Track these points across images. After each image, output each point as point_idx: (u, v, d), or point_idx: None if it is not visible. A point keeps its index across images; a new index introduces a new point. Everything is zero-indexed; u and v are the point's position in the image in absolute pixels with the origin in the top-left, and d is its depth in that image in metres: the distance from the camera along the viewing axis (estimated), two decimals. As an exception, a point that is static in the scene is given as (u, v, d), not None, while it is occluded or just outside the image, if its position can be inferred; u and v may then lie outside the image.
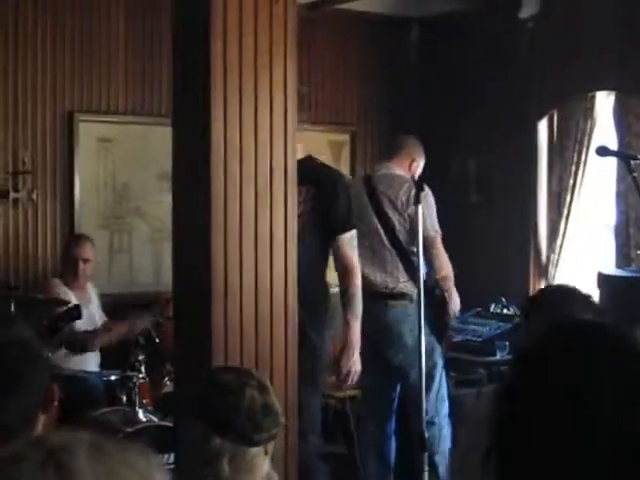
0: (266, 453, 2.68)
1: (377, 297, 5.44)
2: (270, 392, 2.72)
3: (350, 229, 4.75)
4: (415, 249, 5.40)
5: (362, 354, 4.80)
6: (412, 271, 5.37)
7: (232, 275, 4.10)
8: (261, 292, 4.16)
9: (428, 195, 5.35)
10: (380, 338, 5.49)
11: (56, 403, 2.11)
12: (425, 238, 5.24)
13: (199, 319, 4.14)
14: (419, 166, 5.80)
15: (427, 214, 5.28)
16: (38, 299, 5.80)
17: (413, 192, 5.32)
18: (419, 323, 4.39)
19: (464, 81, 7.67)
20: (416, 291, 5.36)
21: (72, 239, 6.49)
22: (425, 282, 5.28)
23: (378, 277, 5.49)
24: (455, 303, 5.49)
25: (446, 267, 5.43)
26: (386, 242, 5.48)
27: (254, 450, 2.65)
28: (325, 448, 6.74)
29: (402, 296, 5.44)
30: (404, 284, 5.44)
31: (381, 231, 5.50)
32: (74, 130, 6.90)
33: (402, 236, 5.48)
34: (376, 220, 5.52)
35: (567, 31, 6.83)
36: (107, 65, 7.03)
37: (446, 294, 5.42)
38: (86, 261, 6.18)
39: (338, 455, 6.75)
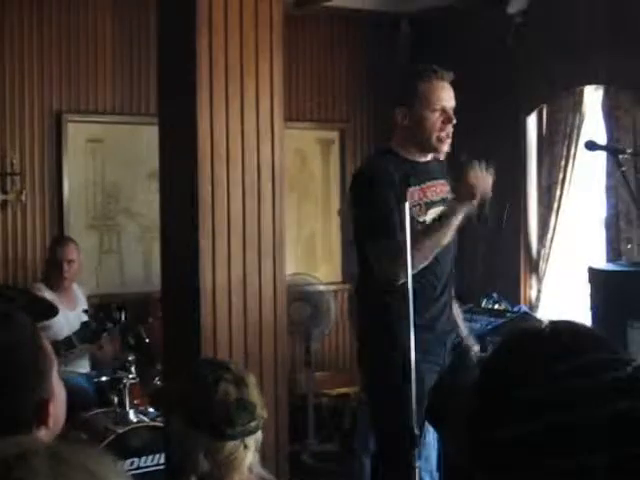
0: (246, 447, 2.67)
1: None
2: (248, 386, 2.71)
3: None
4: None
5: None
6: None
7: (220, 275, 4.09)
8: (250, 291, 4.16)
9: None
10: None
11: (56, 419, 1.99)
12: None
13: (188, 319, 4.14)
14: None
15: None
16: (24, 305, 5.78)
17: None
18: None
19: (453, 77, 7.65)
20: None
21: (55, 241, 6.48)
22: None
23: None
24: None
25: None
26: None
27: (230, 444, 2.64)
28: (320, 447, 6.76)
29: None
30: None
31: None
32: (62, 131, 6.87)
33: None
34: None
35: (555, 26, 6.83)
36: (94, 65, 7.00)
37: None
38: (70, 262, 6.17)
39: (333, 453, 6.76)
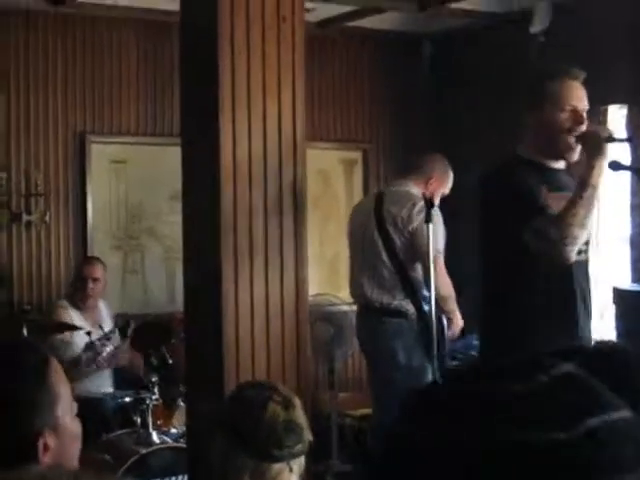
0: (291, 470, 2.65)
1: (371, 311, 5.48)
2: (296, 408, 2.69)
3: None
4: (414, 267, 5.39)
5: None
6: (410, 289, 5.34)
7: (243, 295, 4.09)
8: (272, 312, 4.15)
9: (435, 215, 5.19)
10: (374, 353, 5.52)
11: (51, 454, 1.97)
12: (425, 258, 5.23)
13: (210, 339, 4.13)
14: (441, 185, 5.64)
15: (426, 233, 5.22)
16: (49, 324, 5.82)
17: (416, 210, 5.32)
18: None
19: (477, 97, 7.65)
20: (412, 309, 5.36)
21: (83, 259, 6.56)
22: (424, 301, 5.28)
23: (374, 293, 5.47)
24: (456, 325, 5.41)
25: (445, 287, 5.29)
26: (385, 259, 5.42)
27: (276, 466, 2.62)
28: (343, 467, 6.73)
29: (397, 313, 5.38)
30: (399, 302, 5.38)
31: (381, 248, 5.45)
32: (86, 152, 6.91)
33: (402, 254, 5.39)
34: (377, 236, 5.47)
35: (577, 45, 6.81)
36: (118, 86, 7.05)
37: (444, 315, 5.36)
38: (95, 280, 6.20)
39: (356, 474, 6.73)
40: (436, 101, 8.00)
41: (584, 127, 3.78)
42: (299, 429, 2.66)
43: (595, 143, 3.67)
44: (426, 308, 5.21)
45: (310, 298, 4.63)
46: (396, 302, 5.41)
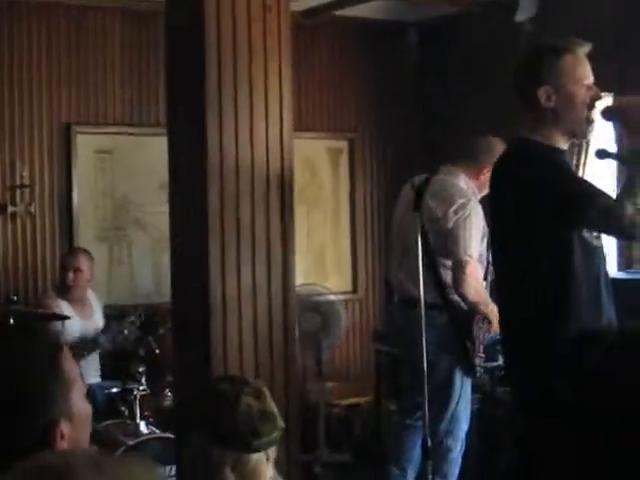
0: (268, 459, 2.68)
1: (406, 306, 5.23)
2: (267, 397, 2.72)
3: None
4: (446, 265, 5.11)
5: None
6: (439, 286, 5.14)
7: (230, 286, 4.08)
8: (260, 302, 4.15)
9: (470, 215, 5.01)
10: (406, 348, 5.36)
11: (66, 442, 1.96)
12: (454, 262, 5.05)
13: (197, 330, 4.13)
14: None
15: (461, 235, 5.01)
16: (37, 314, 5.81)
17: (452, 209, 5.05)
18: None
19: (463, 85, 7.65)
20: (442, 303, 5.14)
21: (67, 251, 6.53)
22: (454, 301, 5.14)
23: (410, 286, 5.23)
24: (492, 327, 5.10)
25: (472, 294, 5.00)
26: (419, 253, 5.13)
27: (256, 456, 2.65)
28: (331, 457, 6.74)
29: (431, 306, 5.15)
30: (430, 296, 5.15)
31: (415, 241, 5.15)
32: (71, 142, 6.89)
33: (435, 250, 5.13)
34: (413, 229, 5.17)
35: (564, 33, 6.81)
36: (103, 76, 7.02)
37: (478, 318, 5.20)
38: (77, 271, 6.18)
39: (344, 463, 6.74)
40: (422, 90, 8.00)
41: (602, 103, 3.66)
42: (273, 417, 2.69)
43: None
44: (461, 306, 5.09)
45: (297, 288, 4.60)
46: (430, 297, 5.03)
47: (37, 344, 2.07)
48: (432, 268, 5.13)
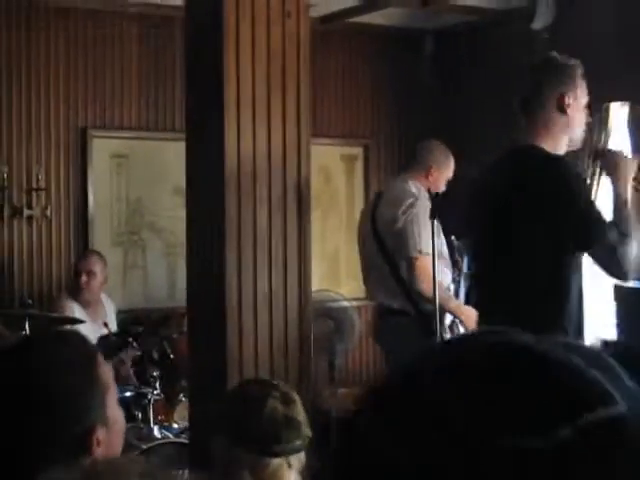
0: (290, 466, 2.65)
1: (380, 313, 5.51)
2: (296, 405, 2.70)
3: None
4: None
5: None
6: (404, 290, 5.25)
7: (246, 290, 4.08)
8: (275, 307, 4.14)
9: (419, 213, 5.12)
10: (387, 354, 5.53)
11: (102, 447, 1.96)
12: (406, 259, 5.20)
13: (213, 335, 4.13)
14: (443, 172, 5.48)
15: (409, 233, 5.15)
16: (52, 317, 5.82)
17: (401, 210, 5.24)
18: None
19: (478, 93, 7.64)
20: (410, 307, 5.30)
21: (81, 254, 6.53)
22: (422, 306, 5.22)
23: (380, 294, 5.45)
24: (467, 321, 5.12)
25: (428, 289, 4.94)
26: (380, 261, 5.34)
27: (275, 462, 2.63)
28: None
29: (397, 312, 5.30)
30: (401, 302, 5.29)
31: (377, 250, 5.38)
32: (88, 146, 6.90)
33: (394, 254, 5.30)
34: (373, 238, 5.41)
35: (580, 42, 6.80)
36: (120, 81, 7.04)
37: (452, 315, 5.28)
38: (90, 274, 6.18)
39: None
40: (438, 97, 7.99)
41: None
42: (298, 424, 2.66)
43: (612, 161, 3.77)
44: (427, 308, 5.12)
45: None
46: (397, 303, 5.34)
47: (74, 350, 2.08)
48: (395, 274, 5.24)
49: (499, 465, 0.64)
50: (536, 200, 3.65)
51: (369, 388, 0.74)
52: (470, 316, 5.10)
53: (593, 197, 3.75)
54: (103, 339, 5.63)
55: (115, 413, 2.05)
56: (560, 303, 3.63)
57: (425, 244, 5.08)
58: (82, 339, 2.17)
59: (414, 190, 5.36)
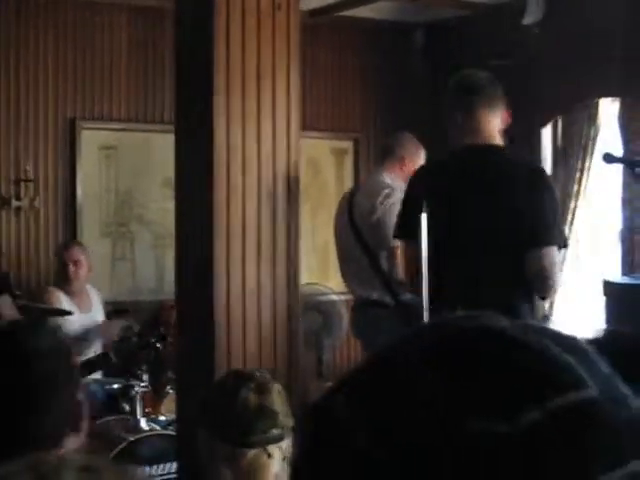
0: (270, 456, 2.64)
1: (357, 305, 5.54)
2: (271, 393, 2.67)
3: None
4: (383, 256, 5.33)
5: None
6: (383, 281, 5.27)
7: (234, 283, 4.08)
8: (264, 301, 4.14)
9: (396, 203, 5.04)
10: (365, 346, 5.54)
11: (86, 421, 2.05)
12: (386, 249, 5.22)
13: (201, 328, 4.12)
14: (416, 163, 5.42)
15: (388, 222, 5.08)
16: (41, 309, 5.81)
17: (379, 200, 5.29)
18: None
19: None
20: (389, 299, 5.31)
21: (59, 247, 6.51)
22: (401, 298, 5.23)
23: (356, 286, 5.48)
24: None
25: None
26: (358, 253, 5.38)
27: (252, 452, 2.61)
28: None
29: (375, 303, 5.33)
30: (379, 293, 5.32)
31: (354, 242, 5.41)
32: (76, 138, 6.88)
33: (372, 246, 5.33)
34: (350, 231, 5.44)
35: (571, 37, 6.81)
36: (109, 72, 7.01)
37: None
38: (76, 262, 6.17)
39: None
40: (428, 91, 7.98)
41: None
42: (273, 414, 2.64)
43: None
44: (406, 298, 5.11)
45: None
46: (375, 294, 5.36)
47: (50, 329, 2.11)
48: (374, 265, 5.28)
49: (469, 449, 0.64)
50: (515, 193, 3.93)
51: (343, 374, 0.74)
52: None
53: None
54: (124, 340, 5.69)
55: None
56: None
57: None
58: (51, 323, 2.28)
59: (389, 181, 5.44)
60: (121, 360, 5.55)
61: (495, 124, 4.24)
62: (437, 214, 3.71)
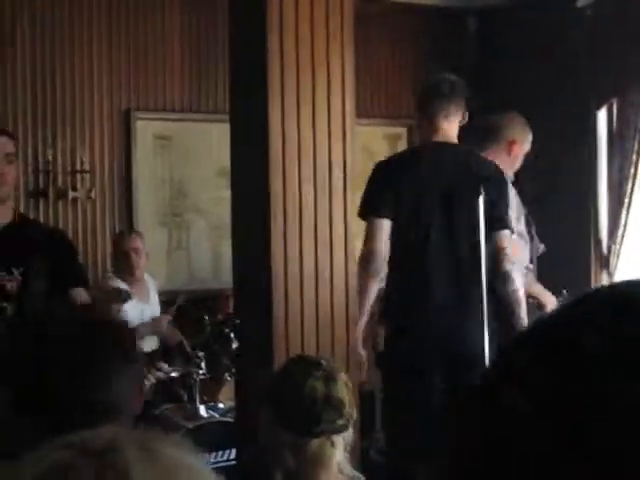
0: (333, 445, 2.65)
1: None
2: (337, 383, 2.68)
3: None
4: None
5: None
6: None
7: (292, 271, 4.09)
8: (321, 287, 4.14)
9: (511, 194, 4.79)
10: None
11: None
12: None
13: (260, 315, 4.14)
14: (523, 148, 5.03)
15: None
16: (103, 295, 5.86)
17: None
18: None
19: (522, 72, 7.59)
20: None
21: (118, 235, 6.52)
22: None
23: None
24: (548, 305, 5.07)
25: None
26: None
27: (316, 441, 2.62)
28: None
29: None
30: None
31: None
32: (131, 128, 6.93)
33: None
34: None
35: (625, 19, 6.74)
36: (163, 62, 7.05)
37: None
38: (136, 250, 6.18)
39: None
40: (480, 76, 7.94)
41: None
42: (339, 404, 2.65)
43: None
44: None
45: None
46: None
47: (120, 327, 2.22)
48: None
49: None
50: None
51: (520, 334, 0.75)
52: (553, 302, 5.09)
53: None
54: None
55: None
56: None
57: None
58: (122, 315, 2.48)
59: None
60: (198, 350, 5.59)
61: (455, 125, 4.77)
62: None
